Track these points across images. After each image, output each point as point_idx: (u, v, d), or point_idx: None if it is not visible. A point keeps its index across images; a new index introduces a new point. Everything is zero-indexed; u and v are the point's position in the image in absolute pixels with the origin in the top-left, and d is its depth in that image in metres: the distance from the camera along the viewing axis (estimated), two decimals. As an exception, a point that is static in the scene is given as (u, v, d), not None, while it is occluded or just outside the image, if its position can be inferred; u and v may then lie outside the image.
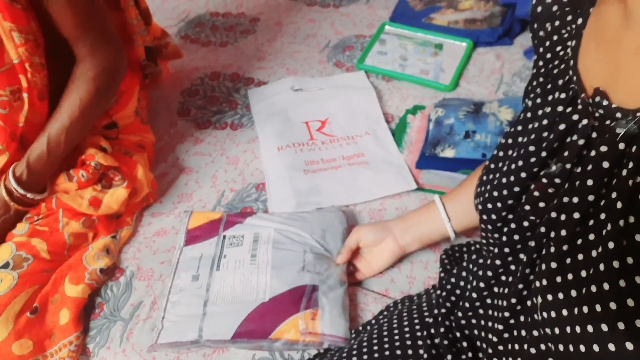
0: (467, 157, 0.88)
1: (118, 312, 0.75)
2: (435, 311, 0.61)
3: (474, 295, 0.55)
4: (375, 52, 1.19)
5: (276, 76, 1.17)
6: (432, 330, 0.59)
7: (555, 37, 0.48)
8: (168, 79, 1.17)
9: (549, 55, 0.49)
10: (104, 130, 0.86)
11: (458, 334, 0.58)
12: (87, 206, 0.78)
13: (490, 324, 0.53)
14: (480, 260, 0.56)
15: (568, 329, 0.38)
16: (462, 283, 0.61)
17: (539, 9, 0.50)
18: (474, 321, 0.56)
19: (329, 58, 1.22)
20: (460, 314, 0.58)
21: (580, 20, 0.45)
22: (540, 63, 0.50)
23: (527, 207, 0.46)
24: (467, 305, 0.56)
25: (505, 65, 1.15)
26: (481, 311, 0.55)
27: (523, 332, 0.48)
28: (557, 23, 0.48)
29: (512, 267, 0.50)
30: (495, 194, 0.48)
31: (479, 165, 0.87)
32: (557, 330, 0.39)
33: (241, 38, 1.31)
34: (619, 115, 0.38)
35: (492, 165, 0.51)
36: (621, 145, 0.37)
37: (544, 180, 0.45)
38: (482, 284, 0.54)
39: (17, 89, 0.73)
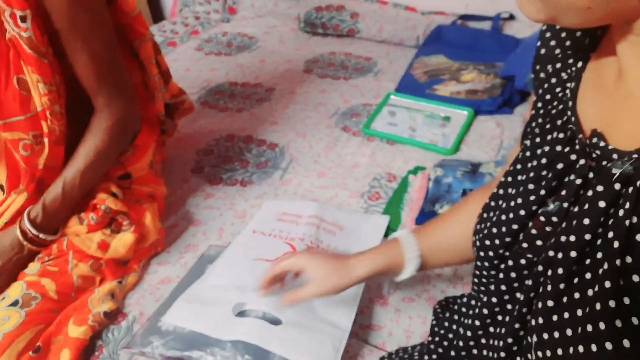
0: (464, 214, 0.90)
1: (117, 355, 0.76)
2: (426, 357, 0.61)
3: (469, 333, 0.55)
4: (386, 123, 1.26)
5: (287, 139, 1.24)
6: None
7: (554, 79, 0.50)
8: (185, 139, 1.25)
9: (548, 96, 0.50)
10: (118, 180, 0.92)
11: None
12: (95, 249, 0.82)
13: None
14: (473, 302, 0.56)
15: None
16: (454, 327, 0.61)
17: (543, 51, 0.51)
18: None
19: (336, 123, 1.29)
20: (453, 353, 0.57)
21: (580, 64, 0.47)
22: (540, 104, 0.51)
23: (525, 245, 0.47)
24: (461, 344, 0.56)
25: (505, 132, 1.20)
26: (475, 351, 0.55)
27: None
28: (558, 65, 0.50)
29: (509, 306, 0.50)
30: (495, 230, 0.49)
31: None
32: None
33: (257, 105, 1.40)
34: (615, 156, 0.39)
35: (493, 203, 0.52)
36: (617, 186, 0.38)
37: (542, 219, 0.45)
38: (477, 322, 0.53)
39: (39, 134, 0.81)
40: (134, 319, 0.81)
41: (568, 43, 0.49)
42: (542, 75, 0.51)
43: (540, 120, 0.50)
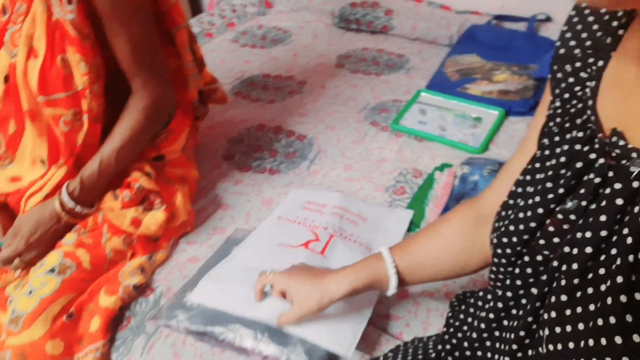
0: (489, 212, 0.90)
1: (144, 326, 0.80)
2: (439, 347, 0.62)
3: (482, 326, 0.55)
4: (416, 121, 1.26)
5: (315, 131, 1.26)
6: None
7: (572, 79, 0.50)
8: (218, 127, 1.29)
9: (567, 95, 0.50)
10: (152, 161, 0.96)
11: None
12: (128, 225, 0.86)
13: (497, 356, 0.53)
14: (489, 296, 0.57)
15: None
16: (469, 319, 0.62)
17: (562, 50, 0.51)
18: (479, 353, 0.56)
19: (365, 118, 1.30)
20: (466, 344, 0.58)
21: (601, 63, 0.47)
22: (558, 103, 0.51)
23: (542, 242, 0.47)
24: (474, 335, 0.56)
25: (536, 134, 1.18)
26: (488, 343, 0.55)
27: None
28: (577, 64, 0.50)
29: (523, 300, 0.50)
30: (512, 228, 0.49)
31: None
32: None
33: (288, 97, 1.43)
34: (634, 155, 0.40)
35: (511, 201, 0.52)
36: (635, 184, 0.38)
37: (560, 216, 0.45)
38: (491, 315, 0.54)
39: (79, 111, 0.85)
40: (161, 294, 0.85)
41: (588, 43, 0.49)
42: (559, 75, 0.51)
43: (558, 119, 0.51)
